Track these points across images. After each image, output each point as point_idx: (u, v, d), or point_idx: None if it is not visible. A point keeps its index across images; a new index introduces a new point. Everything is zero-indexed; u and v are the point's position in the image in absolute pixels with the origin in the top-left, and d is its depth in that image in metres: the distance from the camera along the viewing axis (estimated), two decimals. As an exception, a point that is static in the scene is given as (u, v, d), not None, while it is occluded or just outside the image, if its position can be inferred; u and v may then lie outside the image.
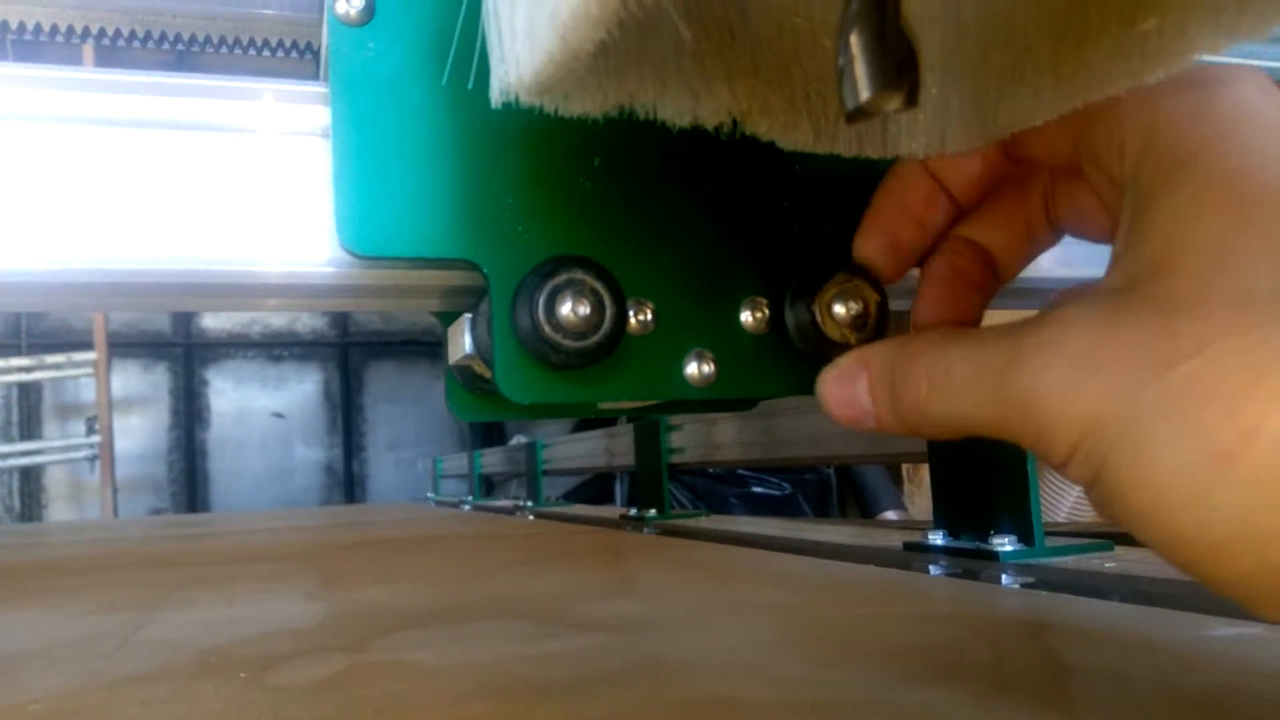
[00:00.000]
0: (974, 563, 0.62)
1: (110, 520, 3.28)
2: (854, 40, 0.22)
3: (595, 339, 0.30)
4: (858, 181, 0.34)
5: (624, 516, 1.21)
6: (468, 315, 0.34)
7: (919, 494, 2.52)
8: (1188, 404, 0.20)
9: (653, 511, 1.17)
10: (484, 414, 0.38)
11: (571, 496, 2.85)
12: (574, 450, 1.78)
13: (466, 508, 2.21)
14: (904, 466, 2.46)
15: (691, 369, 0.32)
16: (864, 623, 0.43)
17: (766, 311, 0.33)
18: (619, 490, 2.87)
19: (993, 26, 0.26)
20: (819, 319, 0.32)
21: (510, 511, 1.77)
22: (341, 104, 0.30)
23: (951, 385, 0.24)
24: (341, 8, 0.30)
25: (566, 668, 0.36)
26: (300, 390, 4.85)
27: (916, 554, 0.69)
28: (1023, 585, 0.53)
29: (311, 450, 4.89)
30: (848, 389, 0.28)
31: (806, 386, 0.33)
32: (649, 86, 0.25)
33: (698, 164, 0.32)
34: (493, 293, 0.30)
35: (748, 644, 0.39)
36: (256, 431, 4.81)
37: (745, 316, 0.33)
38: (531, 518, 1.57)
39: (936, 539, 0.68)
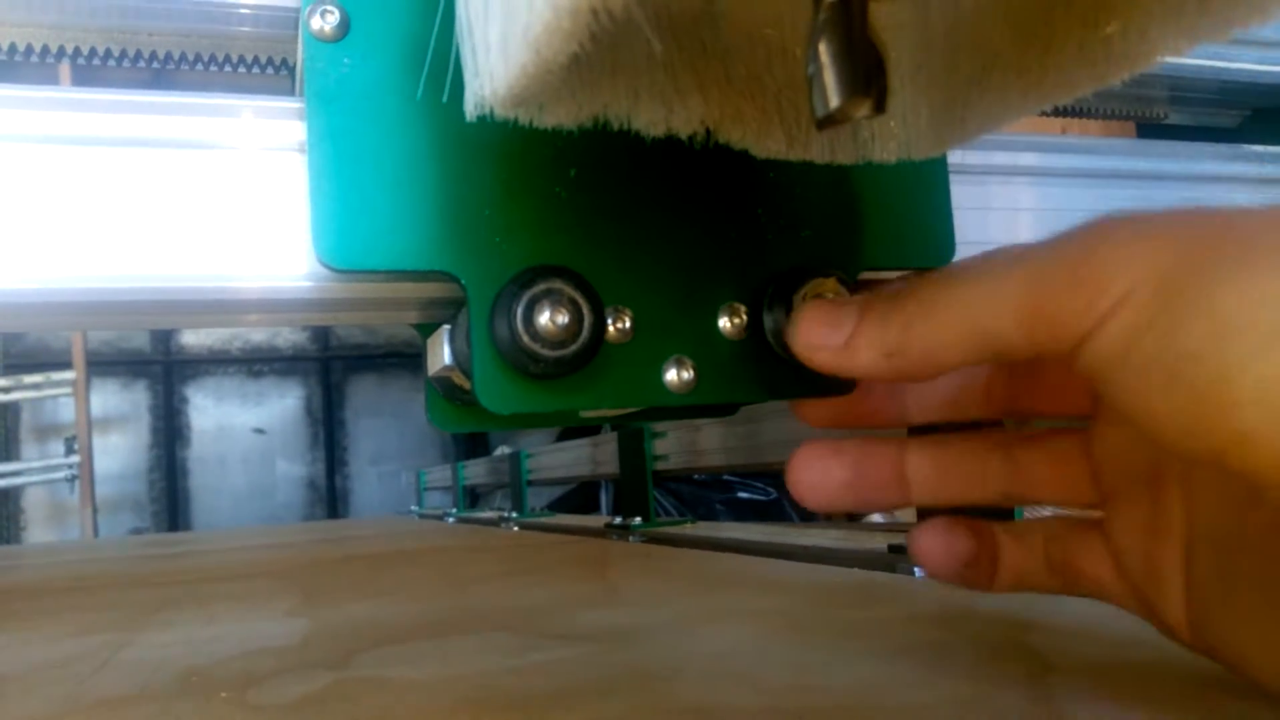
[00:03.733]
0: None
1: (90, 541, 3.26)
2: (823, 49, 0.22)
3: (574, 348, 0.30)
4: (831, 186, 0.34)
5: (609, 525, 1.21)
6: (446, 326, 0.34)
7: (903, 497, 2.53)
8: None
9: (638, 519, 1.17)
10: (464, 425, 0.38)
11: (557, 506, 2.84)
12: (558, 460, 1.77)
13: (451, 520, 2.21)
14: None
15: (671, 375, 0.32)
16: (849, 627, 0.43)
17: (744, 317, 0.33)
18: (604, 499, 2.86)
19: (960, 33, 0.26)
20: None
21: (495, 523, 1.77)
22: (317, 119, 0.30)
23: (974, 272, 0.23)
24: (316, 24, 0.30)
25: (550, 679, 0.36)
26: (281, 406, 4.82)
27: (901, 556, 0.69)
28: (1005, 586, 0.53)
29: (293, 466, 4.86)
30: (833, 312, 0.28)
31: (785, 391, 0.34)
32: (622, 97, 0.26)
33: (672, 172, 0.32)
34: (471, 304, 0.30)
35: (733, 651, 0.39)
36: (238, 448, 4.78)
37: (723, 322, 0.33)
38: (516, 529, 1.57)
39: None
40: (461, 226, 0.30)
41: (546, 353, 0.29)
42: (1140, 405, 0.20)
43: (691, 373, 0.32)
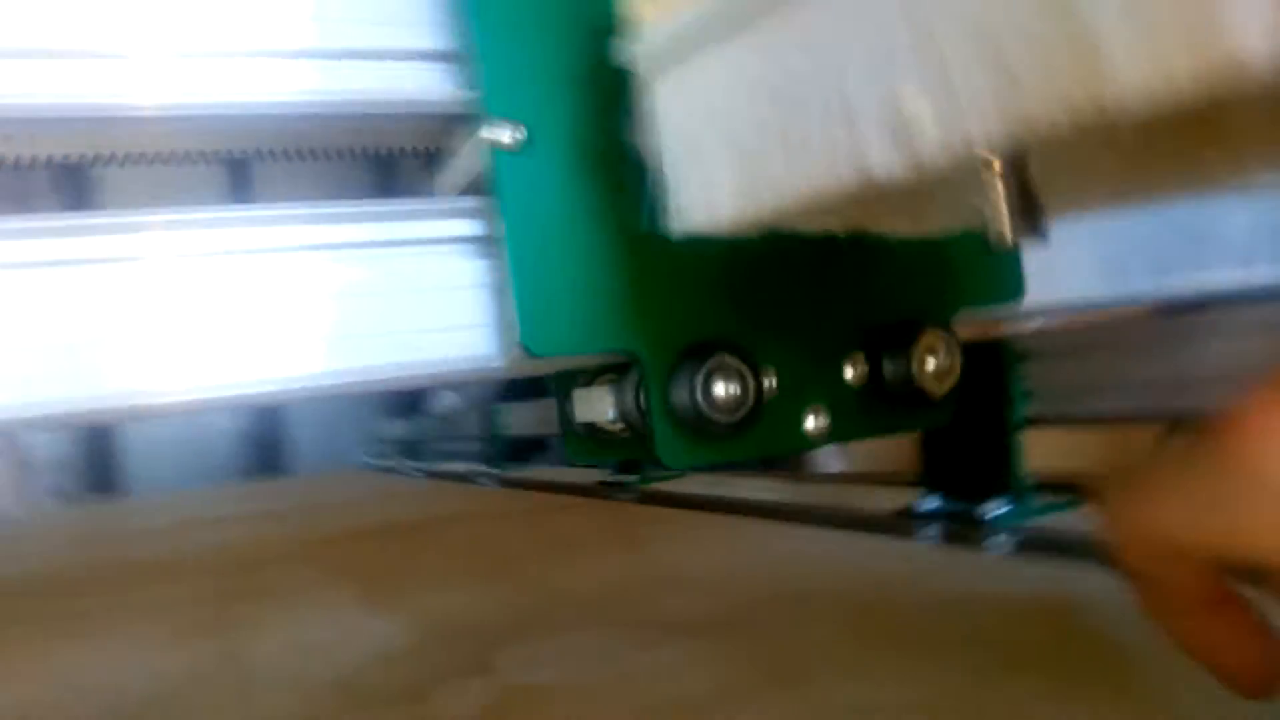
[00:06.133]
0: (968, 529, 0.68)
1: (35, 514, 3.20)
2: (996, 185, 0.27)
3: (742, 412, 0.35)
4: (929, 248, 0.39)
5: (602, 483, 1.26)
6: (608, 383, 0.38)
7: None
8: None
9: (633, 476, 1.22)
10: (601, 458, 0.43)
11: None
12: (528, 417, 1.82)
13: (418, 474, 2.24)
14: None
15: (810, 423, 0.37)
16: (940, 615, 0.48)
17: (865, 366, 0.38)
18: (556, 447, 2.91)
19: (1067, 158, 0.31)
20: (913, 371, 0.37)
21: (468, 478, 1.81)
22: (509, 221, 0.34)
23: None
24: (501, 137, 0.34)
25: (695, 677, 0.41)
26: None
27: (914, 520, 0.74)
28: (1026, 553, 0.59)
29: (227, 419, 4.80)
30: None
31: (897, 428, 0.39)
32: (813, 217, 0.30)
33: (808, 248, 0.37)
34: (649, 377, 0.35)
35: (844, 638, 0.45)
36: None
37: (849, 372, 0.38)
38: (493, 484, 1.61)
39: (928, 504, 0.74)
40: (641, 310, 0.35)
41: (722, 418, 0.34)
42: None
43: (826, 419, 0.37)
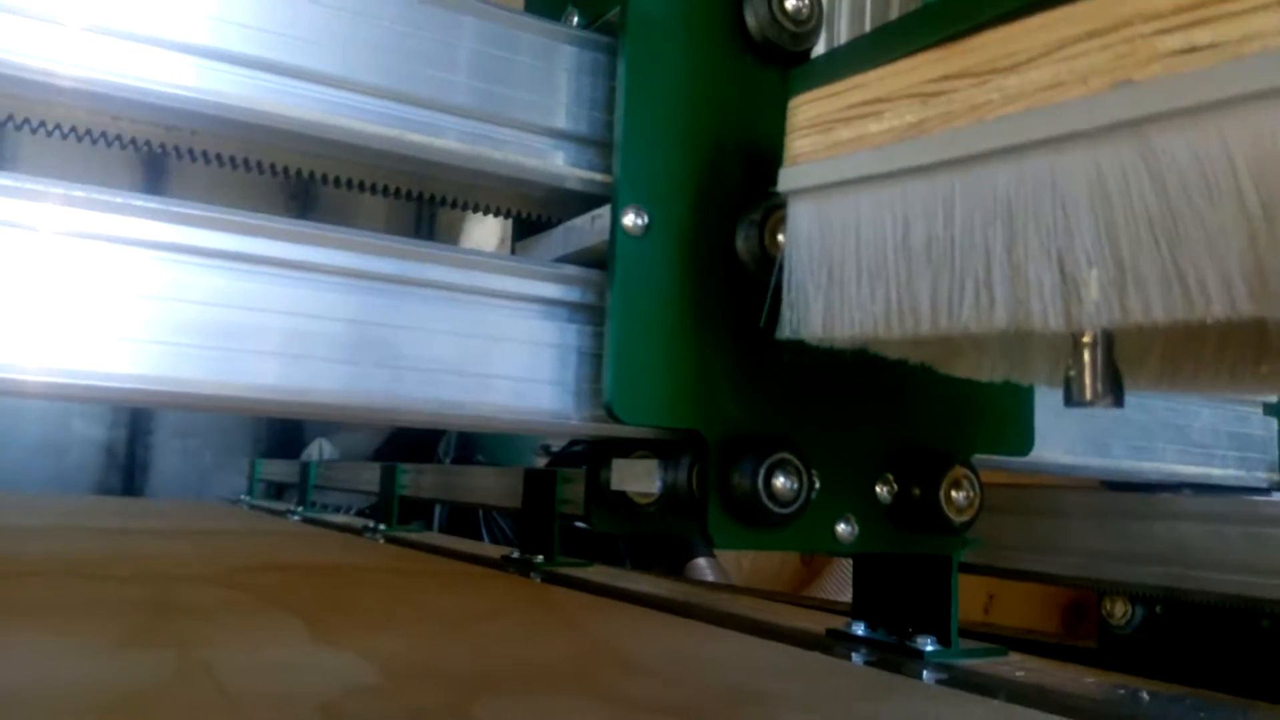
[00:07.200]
0: (897, 658, 0.71)
1: None
2: (1088, 353, 0.31)
3: (794, 507, 0.38)
4: (961, 389, 0.43)
5: (507, 558, 1.26)
6: (654, 457, 0.41)
7: (728, 546, 2.67)
8: None
9: (540, 558, 1.22)
10: (620, 528, 0.45)
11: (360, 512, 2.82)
12: (431, 481, 1.81)
13: (295, 518, 2.19)
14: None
15: (841, 528, 0.40)
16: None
17: (895, 487, 0.41)
18: (437, 516, 2.88)
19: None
20: (940, 500, 0.41)
21: (356, 531, 1.78)
22: (619, 295, 0.37)
23: None
24: (627, 221, 0.37)
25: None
26: (84, 363, 4.57)
27: (846, 642, 0.77)
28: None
29: (91, 428, 4.62)
30: None
31: (919, 546, 0.42)
32: (906, 348, 0.34)
33: (860, 369, 0.41)
34: (710, 459, 0.37)
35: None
36: (32, 400, 4.51)
37: (880, 490, 0.41)
38: (382, 540, 1.59)
39: (858, 629, 0.78)
40: (716, 397, 0.38)
41: (775, 509, 0.37)
42: None
43: (855, 528, 0.40)
